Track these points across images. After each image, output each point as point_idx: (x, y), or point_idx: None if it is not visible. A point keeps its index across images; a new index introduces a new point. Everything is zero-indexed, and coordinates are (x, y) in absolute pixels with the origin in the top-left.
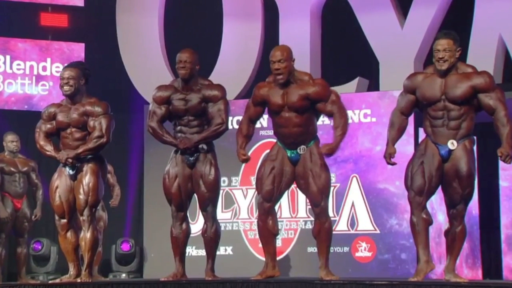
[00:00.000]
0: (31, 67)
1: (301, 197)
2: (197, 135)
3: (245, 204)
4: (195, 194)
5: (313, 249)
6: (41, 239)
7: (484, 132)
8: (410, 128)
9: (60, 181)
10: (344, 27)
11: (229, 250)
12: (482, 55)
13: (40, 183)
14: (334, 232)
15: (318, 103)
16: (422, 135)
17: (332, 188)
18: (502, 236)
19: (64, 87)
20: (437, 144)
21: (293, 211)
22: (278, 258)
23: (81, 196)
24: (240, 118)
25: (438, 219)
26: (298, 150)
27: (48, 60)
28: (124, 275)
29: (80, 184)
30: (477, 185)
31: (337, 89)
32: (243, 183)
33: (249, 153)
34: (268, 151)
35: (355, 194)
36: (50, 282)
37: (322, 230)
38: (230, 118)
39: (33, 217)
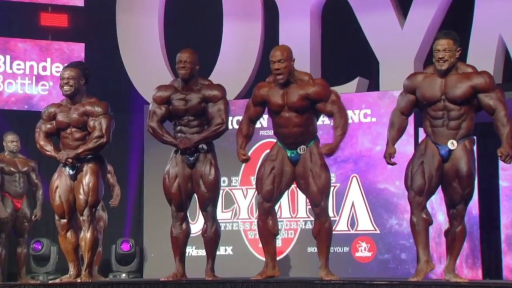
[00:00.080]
0: (31, 67)
1: (301, 197)
2: (197, 135)
3: (245, 204)
4: (195, 194)
5: (313, 249)
6: (41, 239)
7: (484, 132)
8: (410, 128)
9: (60, 181)
10: (344, 27)
11: (229, 250)
12: (482, 55)
13: (40, 183)
14: (334, 232)
15: (318, 103)
16: (422, 135)
17: (332, 188)
18: (502, 236)
19: (64, 87)
20: (437, 144)
21: (293, 211)
22: (278, 258)
23: (81, 196)
24: (240, 118)
25: (438, 219)
26: (298, 150)
27: (48, 60)
28: (124, 275)
29: (80, 184)
30: (477, 185)
31: (337, 89)
32: (243, 183)
33: (249, 153)
34: (268, 151)
35: (355, 194)
36: (50, 282)
37: (322, 230)
38: (230, 118)
39: (33, 217)
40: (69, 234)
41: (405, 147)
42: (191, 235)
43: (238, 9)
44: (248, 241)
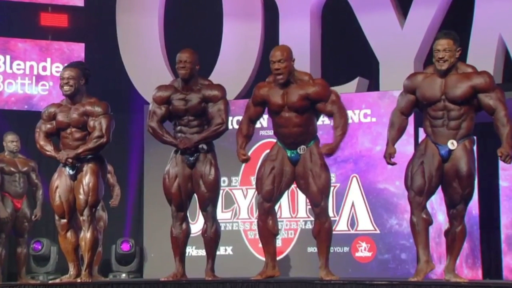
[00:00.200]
0: (31, 67)
1: (301, 197)
2: (197, 135)
3: (245, 204)
4: (195, 194)
5: (313, 249)
6: (41, 239)
7: (484, 132)
8: (410, 128)
9: (60, 181)
10: (344, 27)
11: (229, 250)
12: (482, 55)
13: (40, 183)
14: (334, 232)
15: (318, 103)
16: (422, 135)
17: (332, 188)
18: (502, 236)
19: (64, 87)
20: (437, 144)
21: (293, 211)
22: (278, 258)
23: (81, 196)
24: (240, 118)
25: (438, 219)
26: (298, 150)
27: (48, 60)
28: (124, 275)
29: (80, 184)
30: (477, 185)
31: (337, 89)
32: (243, 183)
33: (249, 153)
34: (268, 151)
35: (355, 194)
36: (50, 282)
37: (322, 230)
38: (230, 118)
39: (33, 217)
40: (69, 234)
41: (405, 147)
42: (191, 235)
43: (238, 9)
44: (248, 241)
